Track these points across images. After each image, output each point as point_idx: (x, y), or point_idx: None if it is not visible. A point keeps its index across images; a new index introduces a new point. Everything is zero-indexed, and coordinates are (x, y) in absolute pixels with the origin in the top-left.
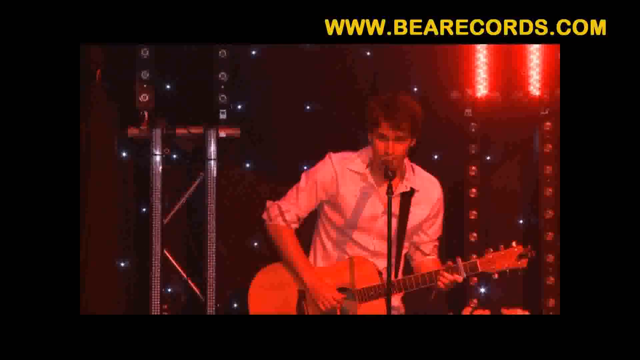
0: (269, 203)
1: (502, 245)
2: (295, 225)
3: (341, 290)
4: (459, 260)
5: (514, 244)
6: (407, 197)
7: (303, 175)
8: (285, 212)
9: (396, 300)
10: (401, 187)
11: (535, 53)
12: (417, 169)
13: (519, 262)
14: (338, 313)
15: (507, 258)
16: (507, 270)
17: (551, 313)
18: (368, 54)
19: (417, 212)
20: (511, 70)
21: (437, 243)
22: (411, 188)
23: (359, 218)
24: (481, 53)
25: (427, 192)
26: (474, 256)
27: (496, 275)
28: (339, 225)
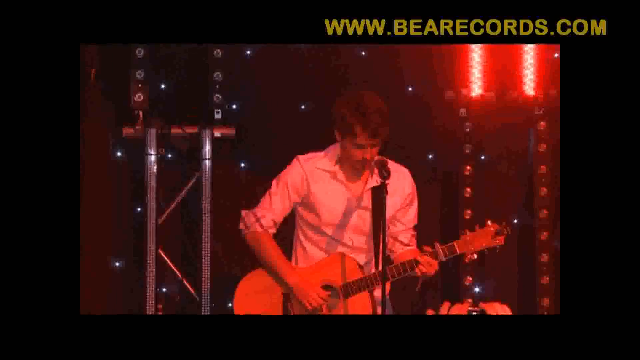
0: (244, 212)
1: (477, 225)
2: (272, 230)
3: (325, 287)
4: (437, 244)
5: (489, 222)
6: (379, 191)
7: (274, 181)
8: (261, 218)
9: (379, 293)
10: (371, 182)
11: (529, 53)
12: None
13: (496, 240)
14: (324, 311)
15: (484, 237)
16: (485, 250)
17: (546, 312)
18: (363, 53)
19: (390, 204)
20: (506, 70)
21: (414, 232)
22: (381, 182)
23: (333, 215)
24: (476, 53)
25: (398, 183)
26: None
27: (475, 256)
28: (315, 224)
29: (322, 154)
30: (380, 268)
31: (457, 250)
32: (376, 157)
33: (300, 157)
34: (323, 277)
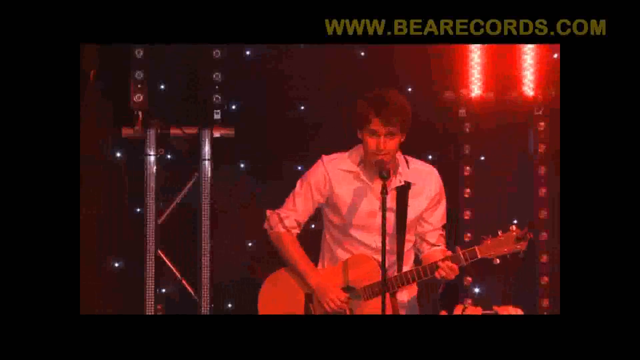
0: (268, 212)
1: (500, 231)
2: (296, 231)
3: (346, 289)
4: (458, 249)
5: (512, 227)
6: (403, 191)
7: (298, 181)
8: (285, 218)
9: (405, 296)
10: (395, 182)
11: (529, 53)
12: (412, 161)
13: (518, 245)
14: (345, 313)
15: (506, 242)
16: (508, 255)
17: (545, 313)
18: (362, 54)
19: (416, 205)
20: (505, 71)
21: (442, 232)
22: (406, 182)
23: (356, 216)
24: (475, 53)
25: (424, 183)
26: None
27: (497, 261)
28: (339, 225)
29: (346, 154)
30: (403, 269)
31: (479, 255)
32: (397, 154)
33: (325, 157)
34: (345, 279)
